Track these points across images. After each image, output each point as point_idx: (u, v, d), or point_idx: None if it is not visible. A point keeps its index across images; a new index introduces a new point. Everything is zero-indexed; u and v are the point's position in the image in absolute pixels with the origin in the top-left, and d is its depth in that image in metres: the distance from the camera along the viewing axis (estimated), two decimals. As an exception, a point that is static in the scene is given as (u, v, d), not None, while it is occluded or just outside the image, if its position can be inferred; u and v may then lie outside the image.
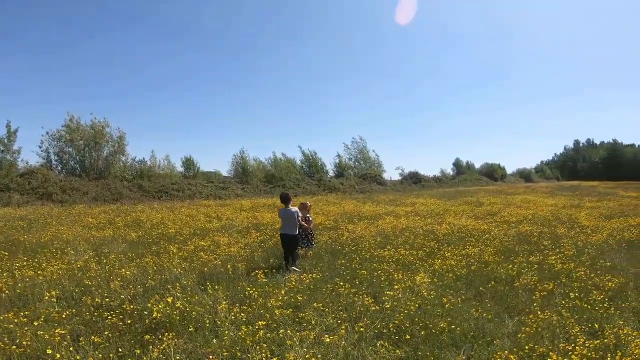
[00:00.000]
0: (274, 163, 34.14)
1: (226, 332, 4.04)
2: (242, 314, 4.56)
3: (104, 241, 9.13)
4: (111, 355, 3.59)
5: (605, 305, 5.10)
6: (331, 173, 37.75)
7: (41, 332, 3.89)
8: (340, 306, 4.96)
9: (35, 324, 4.13)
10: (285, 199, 7.16)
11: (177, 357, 3.61)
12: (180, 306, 4.56)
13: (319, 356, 3.63)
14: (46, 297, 4.94)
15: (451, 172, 53.53)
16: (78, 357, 3.51)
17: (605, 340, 4.01)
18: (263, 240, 9.41)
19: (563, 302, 5.24)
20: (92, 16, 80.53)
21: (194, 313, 4.49)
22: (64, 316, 4.42)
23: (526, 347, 3.84)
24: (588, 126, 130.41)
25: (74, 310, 4.69)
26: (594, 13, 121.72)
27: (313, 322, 4.40)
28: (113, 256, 7.35)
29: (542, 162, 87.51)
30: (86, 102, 75.41)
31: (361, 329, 4.19)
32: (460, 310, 4.88)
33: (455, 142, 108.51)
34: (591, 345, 3.84)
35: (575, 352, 3.67)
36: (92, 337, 3.86)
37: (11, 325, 4.07)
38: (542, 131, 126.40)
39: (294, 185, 29.76)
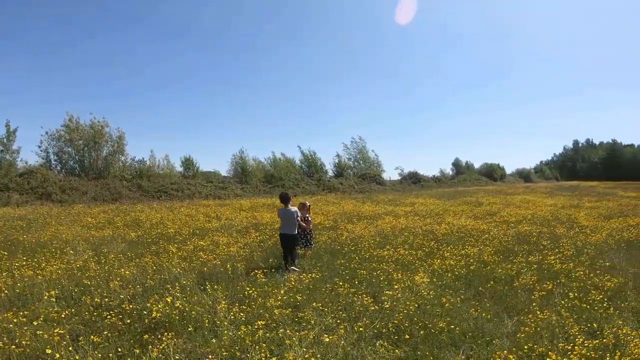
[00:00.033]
0: (274, 163, 34.14)
1: (225, 331, 4.04)
2: (241, 314, 4.56)
3: (103, 241, 9.13)
4: (110, 354, 3.59)
5: (605, 305, 5.11)
6: (330, 173, 37.77)
7: (40, 332, 3.88)
8: (340, 306, 4.96)
9: (35, 323, 4.12)
10: (285, 199, 7.16)
11: (177, 357, 3.60)
12: (180, 306, 4.56)
13: (318, 356, 3.63)
14: (45, 297, 4.94)
15: (450, 172, 53.57)
16: (77, 357, 3.51)
17: (605, 340, 4.02)
18: (262, 240, 9.41)
19: (562, 302, 5.25)
20: (92, 16, 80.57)
21: (193, 313, 4.49)
22: (63, 316, 4.42)
23: (525, 347, 3.84)
24: (588, 126, 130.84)
25: (73, 310, 4.69)
26: (594, 13, 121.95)
27: (312, 321, 4.40)
28: (112, 256, 7.35)
29: (541, 162, 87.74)
30: (86, 102, 75.55)
31: (360, 329, 4.20)
32: (459, 310, 4.88)
33: (455, 142, 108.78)
34: (590, 345, 3.84)
35: (575, 352, 3.67)
36: (92, 336, 3.86)
37: (10, 325, 4.07)
38: (542, 131, 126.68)
39: (293, 185, 29.75)
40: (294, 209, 7.14)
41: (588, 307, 5.05)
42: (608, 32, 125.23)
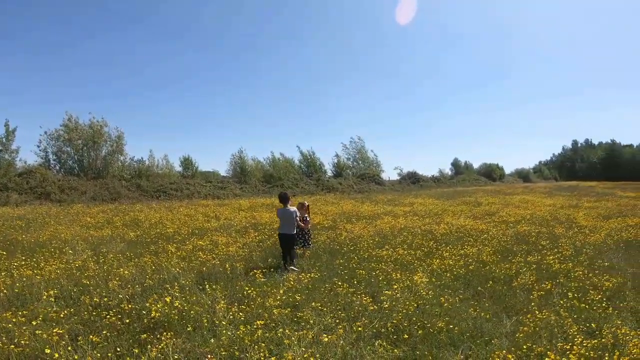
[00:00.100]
0: (273, 163, 34.16)
1: (224, 331, 4.04)
2: (240, 314, 4.56)
3: (102, 241, 9.12)
4: (109, 354, 3.58)
5: (603, 305, 5.12)
6: (329, 173, 37.80)
7: (39, 332, 3.88)
8: (339, 306, 4.97)
9: (34, 323, 4.12)
10: (284, 199, 7.16)
11: (176, 357, 3.60)
12: (179, 306, 4.56)
13: (317, 355, 3.63)
14: (44, 297, 4.93)
15: (449, 172, 53.65)
16: (76, 357, 3.51)
17: (603, 340, 4.02)
18: (261, 239, 9.41)
19: (561, 301, 5.26)
20: (92, 16, 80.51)
21: (192, 312, 4.49)
22: (62, 315, 4.42)
23: (524, 347, 3.85)
24: (588, 126, 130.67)
25: (72, 309, 4.69)
26: (594, 13, 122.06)
27: (311, 321, 4.40)
28: (111, 256, 7.34)
29: (540, 162, 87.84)
30: (86, 102, 75.60)
31: (359, 329, 4.20)
32: (458, 310, 4.89)
33: (454, 142, 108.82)
34: (589, 345, 3.84)
35: (573, 352, 3.68)
36: (91, 336, 3.85)
37: (9, 325, 4.06)
38: (542, 131, 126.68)
39: (292, 185, 29.76)
40: (293, 208, 7.15)
41: (587, 307, 5.05)
42: (608, 32, 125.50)
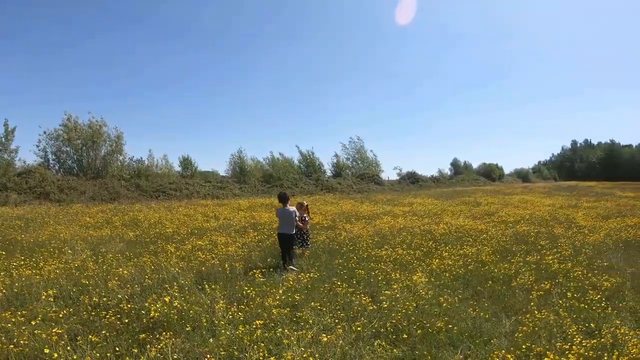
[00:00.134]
0: (272, 163, 34.18)
1: (223, 331, 4.04)
2: (239, 314, 4.56)
3: (102, 240, 9.11)
4: (108, 354, 3.58)
5: (602, 304, 5.12)
6: (329, 173, 37.82)
7: (38, 332, 3.87)
8: (338, 305, 4.97)
9: (33, 323, 4.11)
10: (284, 199, 7.16)
11: (175, 357, 3.60)
12: (178, 305, 4.56)
13: (317, 355, 3.63)
14: (43, 297, 4.93)
15: (449, 172, 53.69)
16: (75, 357, 3.51)
17: (603, 340, 4.03)
18: (260, 239, 9.40)
19: (560, 301, 5.26)
20: (92, 16, 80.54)
21: (191, 312, 4.49)
22: (61, 315, 4.41)
23: (523, 347, 3.85)
24: (587, 126, 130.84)
25: (71, 309, 4.68)
26: (594, 13, 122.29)
27: (310, 321, 4.40)
28: (110, 255, 7.33)
29: (539, 162, 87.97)
30: (86, 102, 75.66)
31: (358, 329, 4.20)
32: (457, 310, 4.89)
33: (454, 142, 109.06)
34: (588, 345, 3.85)
35: (572, 352, 3.68)
36: (90, 336, 3.85)
37: (8, 325, 4.06)
38: (542, 131, 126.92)
39: (291, 185, 29.75)
40: (293, 208, 7.15)
41: (586, 306, 5.06)
42: (608, 32, 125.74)
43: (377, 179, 37.72)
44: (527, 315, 4.70)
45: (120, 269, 6.25)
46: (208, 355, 3.62)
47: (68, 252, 7.54)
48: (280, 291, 5.33)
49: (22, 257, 7.01)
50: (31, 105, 72.24)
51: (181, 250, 8.01)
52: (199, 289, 5.44)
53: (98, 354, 3.59)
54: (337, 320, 4.46)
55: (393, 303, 4.95)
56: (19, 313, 4.39)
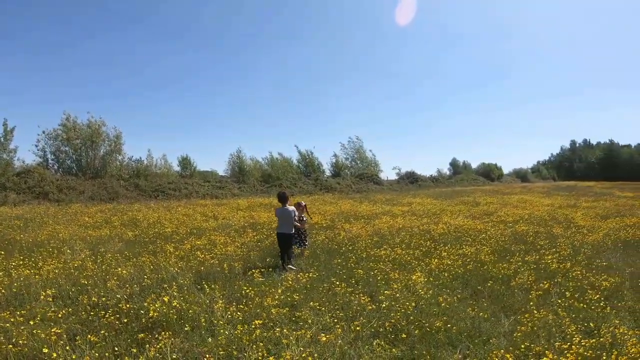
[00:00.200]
0: (271, 162, 34.16)
1: (222, 331, 4.03)
2: (238, 313, 4.56)
3: (101, 240, 9.10)
4: (107, 354, 3.58)
5: (601, 304, 5.13)
6: (328, 173, 37.83)
7: (37, 331, 3.87)
8: (337, 305, 4.97)
9: (32, 323, 4.11)
10: (283, 198, 7.16)
11: (174, 356, 3.60)
12: (177, 305, 4.56)
13: (316, 355, 3.63)
14: (42, 296, 4.92)
15: (448, 172, 53.73)
16: (74, 356, 3.50)
17: (601, 340, 4.03)
18: (260, 239, 9.40)
19: (559, 301, 5.27)
20: (92, 16, 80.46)
21: (190, 312, 4.49)
22: (60, 315, 4.40)
23: (522, 346, 3.85)
24: (587, 126, 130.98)
25: (70, 309, 4.68)
26: (594, 13, 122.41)
27: (309, 321, 4.40)
28: (109, 255, 7.32)
29: (538, 162, 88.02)
30: (86, 102, 75.66)
31: (357, 328, 4.20)
32: (456, 310, 4.89)
33: (454, 142, 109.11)
34: (587, 344, 3.85)
35: (571, 351, 3.68)
36: (89, 336, 3.85)
37: (7, 325, 4.05)
38: (542, 131, 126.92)
39: (290, 184, 29.76)
40: (292, 208, 7.16)
41: (585, 306, 5.06)
42: (608, 32, 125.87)
43: (376, 178, 37.73)
44: (526, 315, 4.71)
45: (119, 269, 6.25)
46: (207, 355, 3.62)
47: (67, 252, 7.53)
48: (279, 291, 5.33)
49: (21, 257, 7.00)
50: (31, 105, 72.25)
51: (180, 250, 8.00)
52: (198, 289, 5.44)
53: (97, 354, 3.59)
54: (336, 320, 4.47)
55: (392, 303, 4.95)
56: (18, 313, 4.38)
